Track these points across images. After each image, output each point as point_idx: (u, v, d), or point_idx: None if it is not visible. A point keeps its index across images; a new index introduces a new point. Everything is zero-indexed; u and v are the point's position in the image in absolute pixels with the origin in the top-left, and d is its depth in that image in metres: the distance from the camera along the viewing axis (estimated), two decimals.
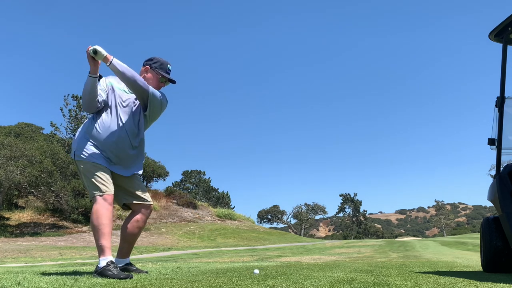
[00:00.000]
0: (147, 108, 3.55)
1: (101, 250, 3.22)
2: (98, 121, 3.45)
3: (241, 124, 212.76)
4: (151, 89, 3.51)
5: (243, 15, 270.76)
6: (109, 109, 3.49)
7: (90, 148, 3.38)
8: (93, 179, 3.31)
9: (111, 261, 3.18)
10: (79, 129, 3.55)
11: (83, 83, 3.37)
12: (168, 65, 3.70)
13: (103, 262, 3.16)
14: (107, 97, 3.52)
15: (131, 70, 3.38)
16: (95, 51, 3.26)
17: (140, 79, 3.43)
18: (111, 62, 3.30)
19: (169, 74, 3.71)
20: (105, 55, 3.29)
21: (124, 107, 3.52)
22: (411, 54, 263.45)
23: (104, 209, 3.25)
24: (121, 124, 3.46)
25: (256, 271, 3.69)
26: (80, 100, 30.92)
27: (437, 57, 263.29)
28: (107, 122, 3.44)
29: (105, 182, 3.33)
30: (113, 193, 3.36)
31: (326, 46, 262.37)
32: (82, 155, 3.37)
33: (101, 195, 3.28)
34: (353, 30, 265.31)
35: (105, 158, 3.41)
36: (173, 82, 3.74)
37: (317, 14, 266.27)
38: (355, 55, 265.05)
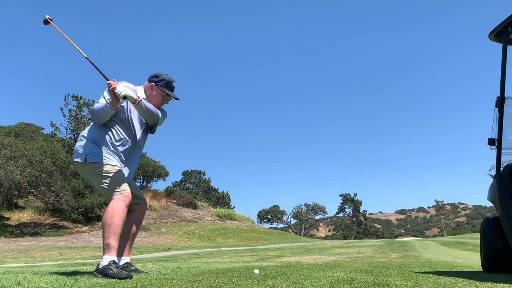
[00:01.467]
0: (153, 129, 3.80)
1: (107, 248, 3.25)
2: (113, 131, 3.57)
3: (241, 124, 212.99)
4: (160, 115, 3.73)
5: (241, 14, 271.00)
6: (124, 121, 3.61)
7: (105, 152, 3.49)
8: (113, 179, 3.42)
9: (114, 261, 3.20)
10: (86, 135, 3.57)
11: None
12: (173, 83, 3.81)
13: (106, 261, 3.18)
14: (121, 109, 3.62)
15: (154, 109, 3.60)
16: (125, 97, 3.35)
17: (157, 112, 3.63)
18: (139, 102, 3.45)
19: (173, 91, 3.82)
20: (135, 98, 3.41)
21: (137, 121, 3.69)
22: (412, 53, 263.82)
23: (120, 210, 3.33)
24: (134, 136, 3.66)
25: (256, 271, 3.70)
26: (81, 101, 30.99)
27: (438, 56, 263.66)
28: (123, 133, 3.59)
29: (125, 183, 3.46)
30: (131, 195, 3.47)
31: (325, 44, 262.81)
32: (99, 158, 3.45)
33: (120, 194, 3.38)
34: (352, 27, 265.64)
35: (119, 162, 3.55)
36: (177, 99, 3.88)
37: (317, 12, 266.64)
38: (354, 53, 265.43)
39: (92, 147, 3.48)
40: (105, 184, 3.41)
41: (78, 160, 3.49)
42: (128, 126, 3.62)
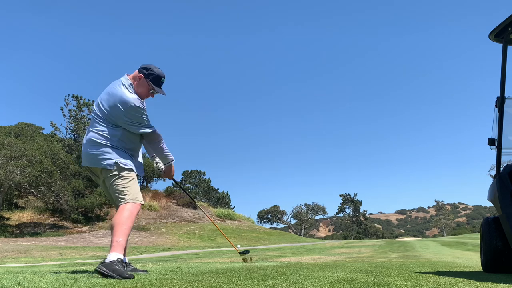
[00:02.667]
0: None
1: (116, 246, 3.27)
2: (129, 139, 3.67)
3: (241, 124, 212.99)
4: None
5: (251, 18, 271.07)
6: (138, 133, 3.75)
7: (132, 160, 3.63)
8: (135, 186, 3.57)
9: (121, 259, 3.21)
10: (104, 142, 3.53)
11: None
12: (162, 78, 3.77)
13: (113, 257, 3.18)
14: None
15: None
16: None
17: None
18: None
19: (161, 86, 3.78)
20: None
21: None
22: (411, 56, 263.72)
23: (133, 215, 3.47)
24: (139, 145, 3.87)
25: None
26: (81, 101, 31.05)
27: (437, 58, 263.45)
28: (135, 142, 3.72)
29: (140, 193, 3.63)
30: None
31: (326, 47, 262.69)
32: (128, 164, 3.57)
33: (137, 202, 3.52)
34: (354, 31, 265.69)
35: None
36: (164, 95, 3.84)
37: (320, 16, 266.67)
38: (355, 56, 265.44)
39: (120, 153, 3.55)
40: (127, 189, 3.49)
41: (106, 166, 3.49)
42: (137, 136, 3.71)
